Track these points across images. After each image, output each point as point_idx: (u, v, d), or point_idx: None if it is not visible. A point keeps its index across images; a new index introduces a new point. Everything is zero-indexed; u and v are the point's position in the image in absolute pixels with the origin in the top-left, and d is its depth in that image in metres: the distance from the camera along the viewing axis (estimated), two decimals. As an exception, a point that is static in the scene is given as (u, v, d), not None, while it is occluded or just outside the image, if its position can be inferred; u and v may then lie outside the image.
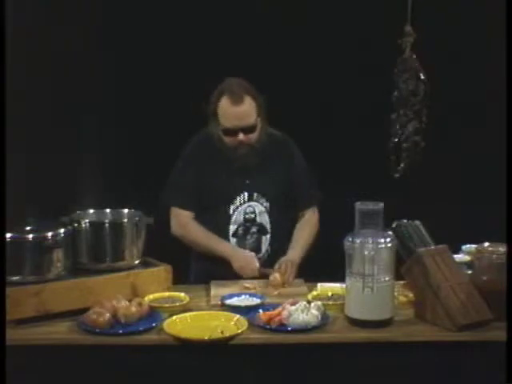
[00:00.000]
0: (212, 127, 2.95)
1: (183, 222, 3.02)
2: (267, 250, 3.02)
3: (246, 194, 2.99)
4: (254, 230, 3.00)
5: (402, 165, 2.94)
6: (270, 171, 3.00)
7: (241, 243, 2.99)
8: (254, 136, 2.91)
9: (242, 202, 2.99)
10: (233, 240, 2.99)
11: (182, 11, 3.71)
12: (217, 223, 2.98)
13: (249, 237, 2.99)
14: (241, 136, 2.88)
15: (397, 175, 2.97)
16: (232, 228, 2.99)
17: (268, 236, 3.01)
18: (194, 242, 3.01)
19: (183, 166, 3.03)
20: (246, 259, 2.88)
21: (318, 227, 3.12)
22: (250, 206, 2.99)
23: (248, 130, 2.89)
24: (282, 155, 3.05)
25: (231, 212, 2.98)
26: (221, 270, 2.88)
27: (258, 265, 2.87)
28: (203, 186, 2.98)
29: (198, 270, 3.08)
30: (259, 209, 3.00)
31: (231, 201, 2.98)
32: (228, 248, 2.95)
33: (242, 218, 2.99)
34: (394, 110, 2.93)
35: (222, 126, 2.90)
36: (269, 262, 2.96)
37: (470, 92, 3.71)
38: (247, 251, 2.93)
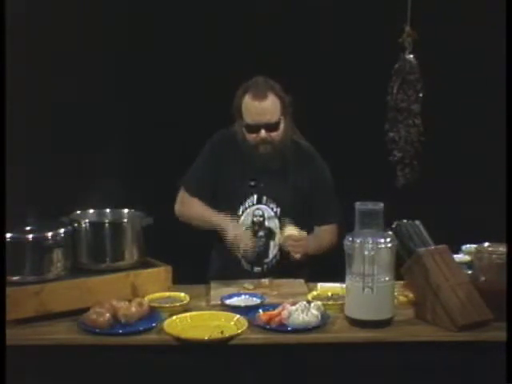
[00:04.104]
0: (236, 125, 2.96)
1: (184, 200, 3.04)
2: (275, 256, 2.99)
3: (255, 196, 2.98)
4: (261, 233, 2.98)
5: (404, 172, 2.92)
6: (288, 178, 2.98)
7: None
8: (276, 135, 2.89)
9: (251, 204, 2.98)
10: None
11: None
12: None
13: (256, 240, 2.97)
14: (263, 133, 2.86)
15: (401, 183, 2.95)
16: None
17: (277, 241, 2.98)
18: (191, 216, 3.01)
19: (202, 161, 3.04)
20: (239, 230, 2.86)
21: (330, 243, 2.99)
22: (258, 208, 2.97)
23: (270, 127, 2.87)
24: (306, 166, 3.00)
25: (240, 213, 2.98)
26: (237, 268, 2.91)
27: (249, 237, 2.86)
28: (218, 184, 2.98)
29: (217, 268, 3.07)
30: (268, 213, 2.98)
31: (241, 201, 2.97)
32: (222, 219, 2.91)
33: (250, 220, 2.97)
34: (391, 112, 2.93)
35: (244, 122, 2.89)
36: (276, 269, 2.97)
37: (469, 92, 3.71)
38: (239, 225, 2.92)
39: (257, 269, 2.99)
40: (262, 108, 2.85)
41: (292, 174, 2.99)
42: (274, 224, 2.97)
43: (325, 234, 3.02)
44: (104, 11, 3.72)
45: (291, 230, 2.83)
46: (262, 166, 2.94)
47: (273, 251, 2.99)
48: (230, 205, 2.97)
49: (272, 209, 2.98)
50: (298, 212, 2.98)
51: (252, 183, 2.97)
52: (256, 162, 2.93)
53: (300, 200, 2.99)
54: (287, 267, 2.93)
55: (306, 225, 2.95)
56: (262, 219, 2.98)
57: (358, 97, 3.68)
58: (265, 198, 2.98)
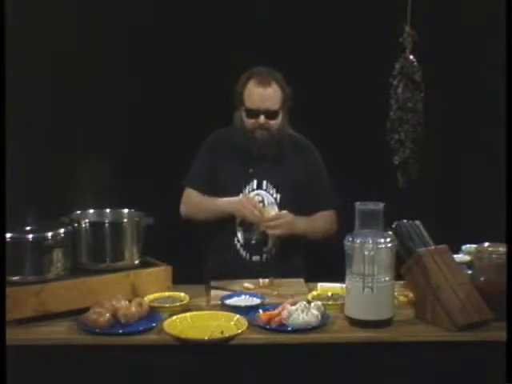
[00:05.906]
0: (237, 113, 3.00)
1: (187, 199, 3.07)
2: (275, 244, 2.99)
3: (255, 181, 2.99)
4: None
5: (410, 172, 2.92)
6: (285, 164, 3.01)
7: (247, 233, 2.98)
8: (274, 123, 2.94)
9: (251, 189, 2.98)
10: (239, 229, 2.99)
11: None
12: None
13: (255, 227, 2.96)
14: (262, 118, 2.91)
15: (406, 183, 2.95)
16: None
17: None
18: (197, 210, 3.04)
19: (199, 158, 3.08)
20: (242, 203, 2.90)
21: (326, 229, 3.04)
22: (258, 194, 2.98)
23: (270, 114, 2.92)
24: (302, 154, 3.06)
25: None
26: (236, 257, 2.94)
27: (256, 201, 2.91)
28: (217, 173, 3.01)
29: (215, 259, 3.07)
30: (268, 199, 2.98)
31: (241, 188, 2.98)
32: (224, 202, 2.95)
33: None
34: (396, 112, 2.92)
35: (245, 106, 2.94)
36: (276, 257, 2.97)
37: (469, 92, 3.71)
38: (240, 197, 2.94)
39: (255, 257, 2.99)
40: (265, 94, 2.92)
41: (288, 161, 3.02)
42: (274, 211, 2.96)
43: (320, 218, 3.03)
44: (104, 9, 3.72)
45: (270, 212, 2.86)
46: (259, 153, 2.97)
47: (272, 238, 2.98)
48: (229, 192, 2.97)
49: (272, 194, 2.99)
50: (296, 199, 3.00)
51: (251, 170, 2.99)
52: (252, 148, 2.96)
53: (298, 187, 3.00)
54: (285, 255, 2.96)
55: (304, 212, 2.96)
56: (262, 206, 2.97)
57: (359, 97, 3.68)
58: (265, 182, 3.00)
